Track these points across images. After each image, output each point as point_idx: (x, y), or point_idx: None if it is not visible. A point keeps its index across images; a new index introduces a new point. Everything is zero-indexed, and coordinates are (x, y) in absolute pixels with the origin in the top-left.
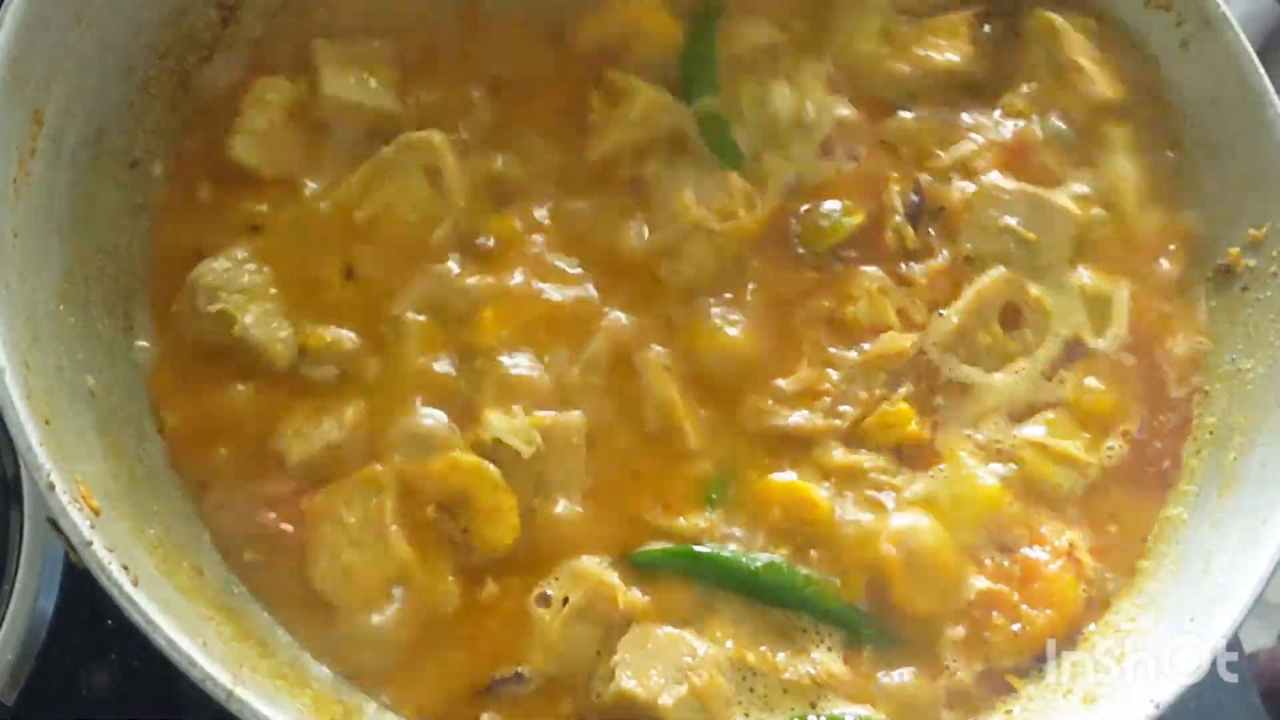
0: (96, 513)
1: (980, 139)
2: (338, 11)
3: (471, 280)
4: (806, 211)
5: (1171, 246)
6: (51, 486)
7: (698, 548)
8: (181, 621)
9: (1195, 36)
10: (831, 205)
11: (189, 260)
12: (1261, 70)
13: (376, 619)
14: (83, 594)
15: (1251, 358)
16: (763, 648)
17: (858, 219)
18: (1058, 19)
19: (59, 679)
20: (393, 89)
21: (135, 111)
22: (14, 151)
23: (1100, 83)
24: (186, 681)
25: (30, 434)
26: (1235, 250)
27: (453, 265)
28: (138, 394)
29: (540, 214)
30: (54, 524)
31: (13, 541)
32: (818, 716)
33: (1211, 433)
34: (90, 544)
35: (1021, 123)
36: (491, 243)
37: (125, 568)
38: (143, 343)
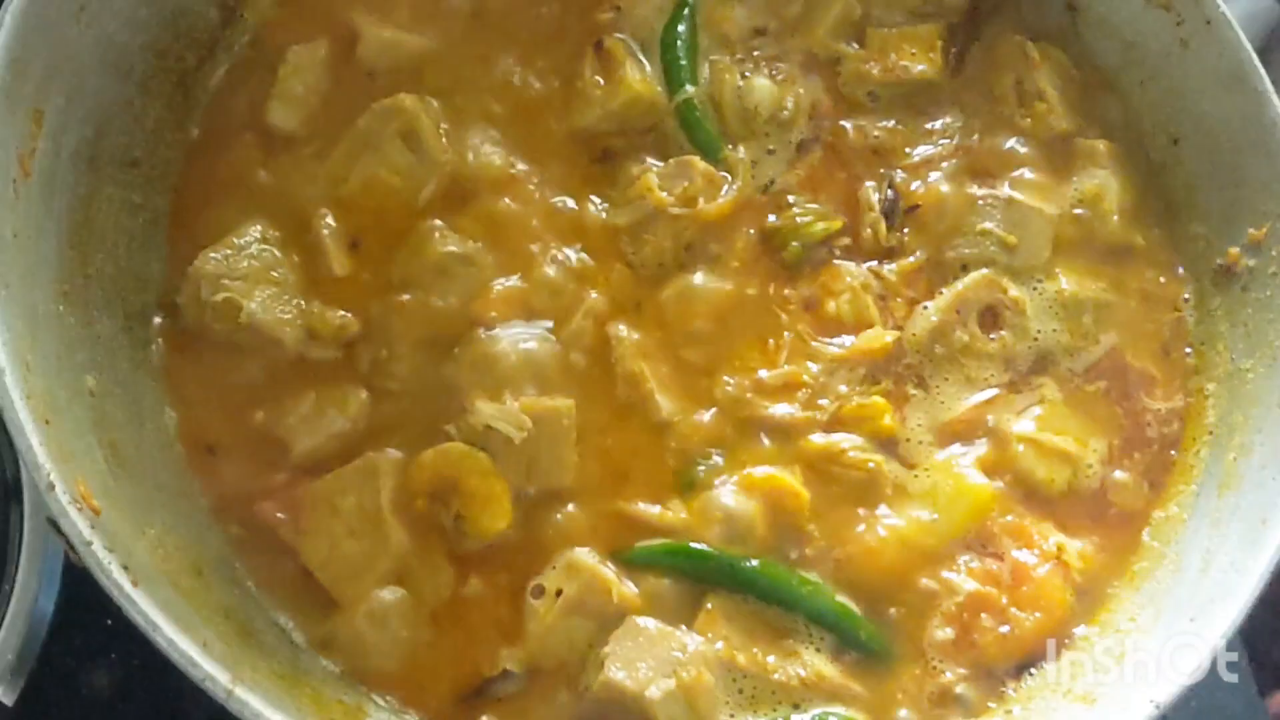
0: (96, 513)
1: (949, 143)
2: None
3: (461, 241)
4: (786, 209)
5: (1153, 263)
6: (51, 486)
7: (694, 545)
8: (181, 621)
9: (1195, 36)
10: (811, 206)
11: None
12: (1261, 70)
13: (375, 610)
14: (83, 594)
15: (1251, 358)
16: (755, 649)
17: (835, 224)
18: (1030, 47)
19: (59, 679)
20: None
21: (135, 111)
22: (14, 151)
23: (1059, 112)
24: (186, 681)
25: (30, 434)
26: (1235, 250)
27: (441, 225)
28: (138, 394)
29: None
30: (54, 524)
31: (13, 541)
32: (801, 715)
33: (1211, 433)
34: (90, 544)
35: (989, 135)
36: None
37: (125, 568)
38: (146, 343)
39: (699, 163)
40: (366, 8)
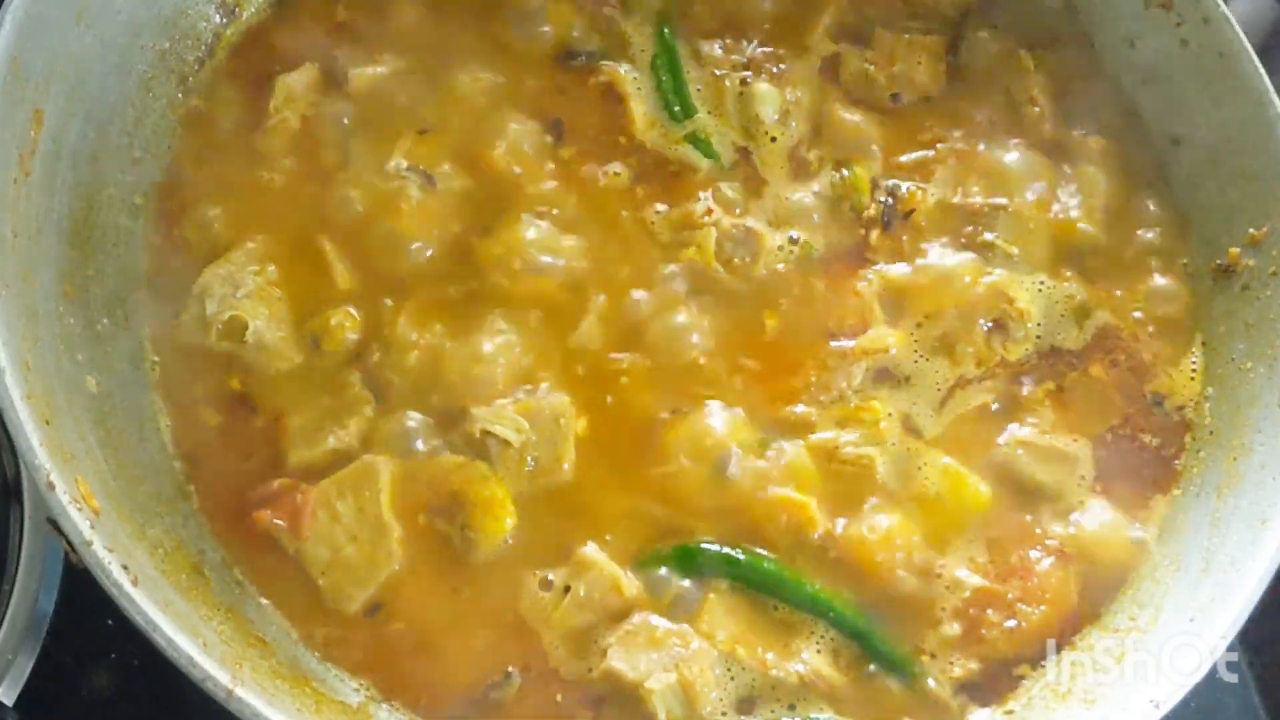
0: (96, 513)
1: (945, 148)
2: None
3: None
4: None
5: (1153, 263)
6: (51, 486)
7: (704, 545)
8: (181, 621)
9: (1195, 36)
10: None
11: (194, 257)
12: (1261, 70)
13: (378, 613)
14: (83, 594)
15: (1251, 358)
16: (755, 645)
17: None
18: (1025, 55)
19: (59, 679)
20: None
21: (135, 111)
22: (14, 151)
23: (1052, 120)
24: (187, 681)
25: (30, 434)
26: (1235, 250)
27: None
28: (138, 394)
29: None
30: (54, 524)
31: (13, 541)
32: (793, 718)
33: (1212, 433)
34: (90, 544)
35: (986, 142)
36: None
37: (125, 568)
38: (146, 344)
39: (766, 238)
40: (348, 43)
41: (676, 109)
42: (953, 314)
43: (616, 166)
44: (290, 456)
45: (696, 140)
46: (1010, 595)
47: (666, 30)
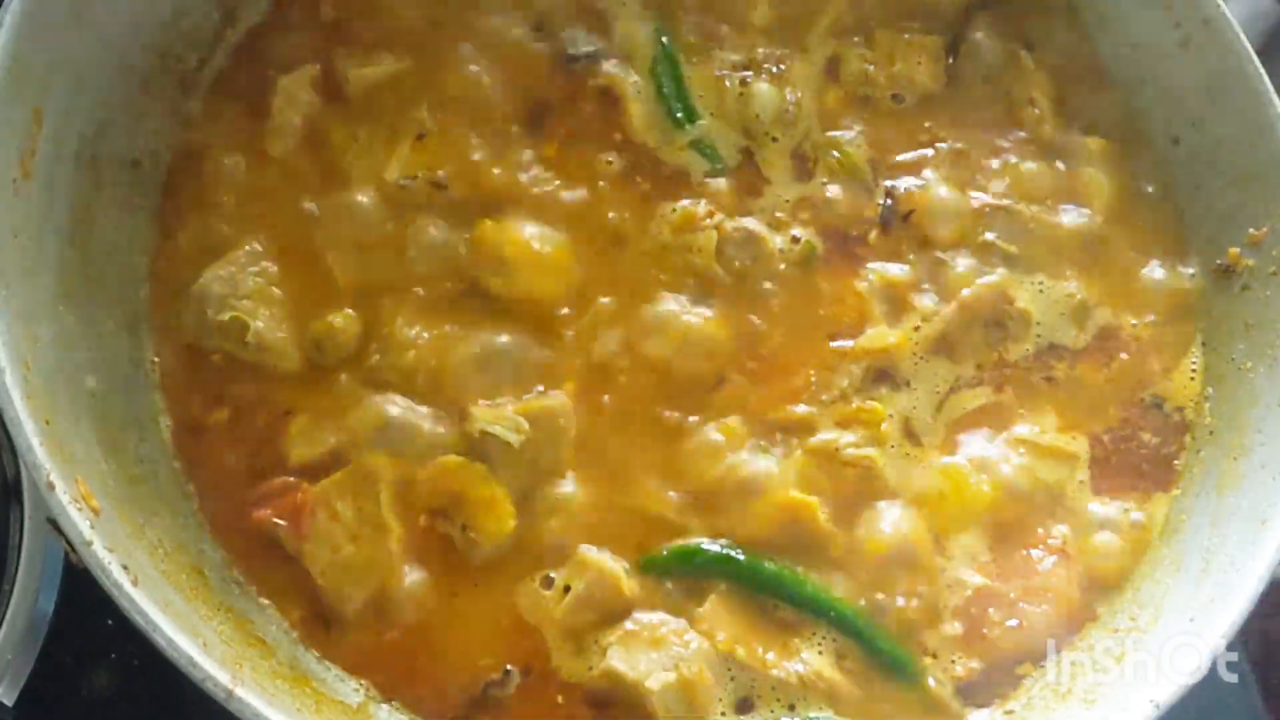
0: (96, 513)
1: (945, 148)
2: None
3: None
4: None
5: (1153, 263)
6: (51, 486)
7: (704, 545)
8: (181, 621)
9: (1195, 36)
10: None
11: (194, 257)
12: (1261, 70)
13: (378, 614)
14: (83, 594)
15: (1252, 358)
16: (755, 644)
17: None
18: (1025, 56)
19: (59, 679)
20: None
21: (135, 111)
22: (14, 151)
23: (1051, 120)
24: (187, 681)
25: (30, 434)
26: (1235, 250)
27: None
28: (138, 394)
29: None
30: (54, 524)
31: (13, 541)
32: (792, 718)
33: (1211, 433)
34: (90, 544)
35: (985, 142)
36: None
37: (125, 568)
38: (146, 344)
39: (767, 239)
40: (342, 43)
41: (679, 115)
42: (953, 314)
43: (615, 168)
44: (290, 456)
45: (701, 147)
46: (1012, 594)
47: (666, 37)
